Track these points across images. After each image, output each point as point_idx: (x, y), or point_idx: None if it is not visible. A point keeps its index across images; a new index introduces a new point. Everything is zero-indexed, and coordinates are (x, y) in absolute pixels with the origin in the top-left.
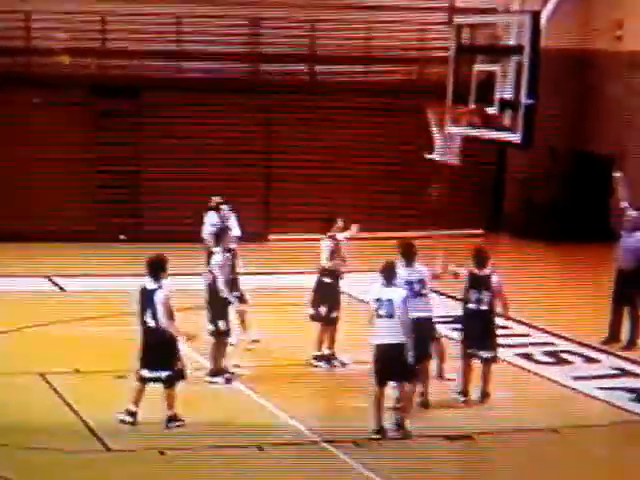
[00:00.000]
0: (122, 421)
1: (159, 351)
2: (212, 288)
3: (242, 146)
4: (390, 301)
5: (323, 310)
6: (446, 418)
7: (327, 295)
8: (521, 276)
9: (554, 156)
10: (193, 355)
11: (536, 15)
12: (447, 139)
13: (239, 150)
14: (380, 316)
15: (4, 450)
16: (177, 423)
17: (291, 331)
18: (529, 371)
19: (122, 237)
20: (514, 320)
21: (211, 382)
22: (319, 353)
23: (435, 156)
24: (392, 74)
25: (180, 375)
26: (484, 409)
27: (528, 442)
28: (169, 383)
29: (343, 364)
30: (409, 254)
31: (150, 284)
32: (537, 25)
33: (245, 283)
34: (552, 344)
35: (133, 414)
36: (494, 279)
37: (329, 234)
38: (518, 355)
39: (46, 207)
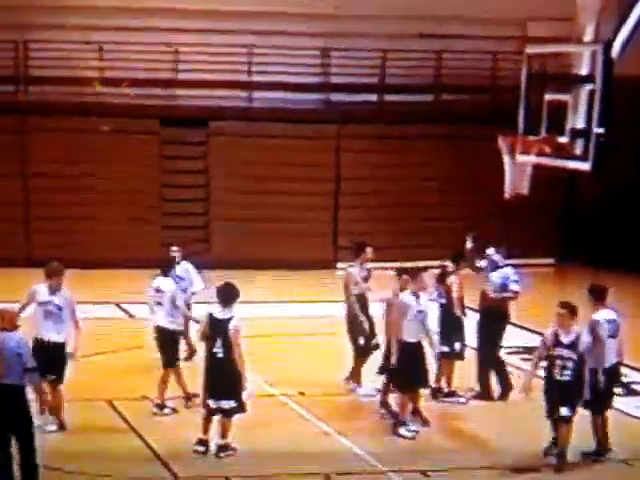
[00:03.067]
0: (195, 451)
1: (225, 381)
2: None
3: (311, 174)
4: (614, 321)
5: (458, 346)
6: (508, 450)
7: (459, 330)
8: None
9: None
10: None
11: (609, 44)
12: (518, 168)
13: (308, 178)
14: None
15: (72, 477)
16: (229, 452)
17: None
18: None
19: None
20: None
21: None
22: (447, 389)
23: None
24: (463, 103)
25: (242, 408)
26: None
27: (597, 473)
28: (229, 414)
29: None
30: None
31: (220, 313)
32: (609, 54)
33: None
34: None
35: (204, 443)
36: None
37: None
38: None
39: (113, 234)
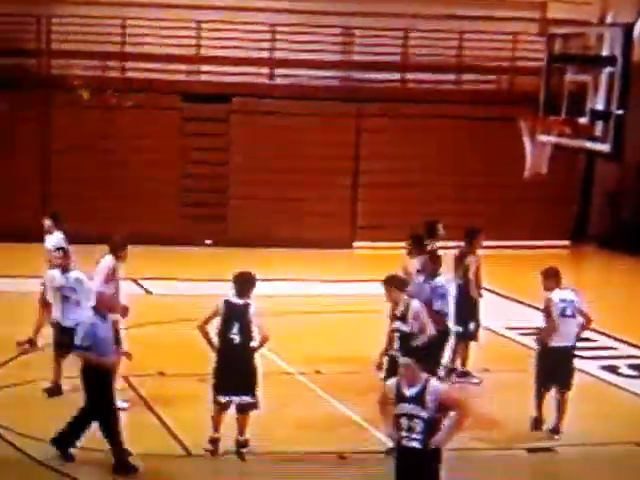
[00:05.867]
0: (206, 450)
1: (239, 371)
2: None
3: (331, 153)
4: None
5: (472, 327)
6: (522, 431)
7: (474, 310)
8: (608, 287)
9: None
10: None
11: (629, 28)
12: (538, 148)
13: (327, 157)
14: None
15: (87, 453)
16: (249, 447)
17: (373, 338)
18: (614, 384)
19: (208, 242)
20: (600, 332)
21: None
22: (461, 369)
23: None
24: (484, 83)
25: (256, 404)
26: (566, 422)
27: (612, 455)
28: (245, 410)
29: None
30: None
31: (236, 299)
32: (630, 37)
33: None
34: (638, 357)
35: (215, 442)
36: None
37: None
38: (603, 368)
39: (132, 210)
